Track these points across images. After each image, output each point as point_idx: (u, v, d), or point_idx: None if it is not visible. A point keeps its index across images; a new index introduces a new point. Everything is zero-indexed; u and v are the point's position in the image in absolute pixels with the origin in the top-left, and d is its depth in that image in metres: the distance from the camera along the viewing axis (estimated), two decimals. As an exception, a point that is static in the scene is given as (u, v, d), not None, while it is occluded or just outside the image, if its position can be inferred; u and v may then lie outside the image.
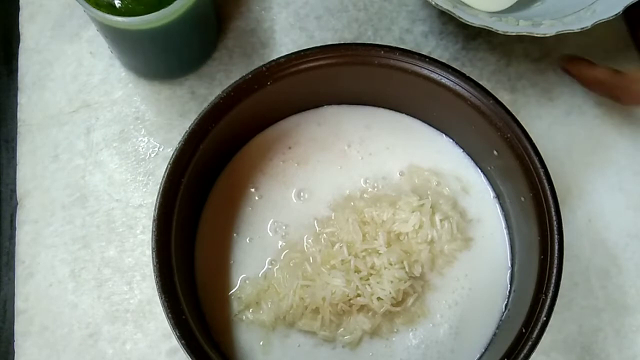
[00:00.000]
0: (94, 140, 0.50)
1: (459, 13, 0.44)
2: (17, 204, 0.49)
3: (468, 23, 0.44)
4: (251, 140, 0.46)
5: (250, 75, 0.41)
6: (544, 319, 0.37)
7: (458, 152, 0.46)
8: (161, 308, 0.37)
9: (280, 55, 0.41)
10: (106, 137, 0.50)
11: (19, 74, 0.52)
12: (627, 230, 0.48)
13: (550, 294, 0.37)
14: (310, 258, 0.43)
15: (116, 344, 0.46)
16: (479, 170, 0.45)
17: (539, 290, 0.37)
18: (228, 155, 0.46)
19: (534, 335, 0.37)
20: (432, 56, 0.41)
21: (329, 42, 0.42)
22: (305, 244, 0.44)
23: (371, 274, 0.41)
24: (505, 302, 0.42)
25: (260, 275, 0.43)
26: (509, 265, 0.43)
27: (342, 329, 0.42)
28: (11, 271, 0.48)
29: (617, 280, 0.47)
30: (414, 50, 0.41)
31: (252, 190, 0.45)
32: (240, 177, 0.45)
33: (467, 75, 0.40)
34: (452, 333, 0.42)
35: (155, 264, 0.38)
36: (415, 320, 0.42)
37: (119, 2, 0.41)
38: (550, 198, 0.38)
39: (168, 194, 0.39)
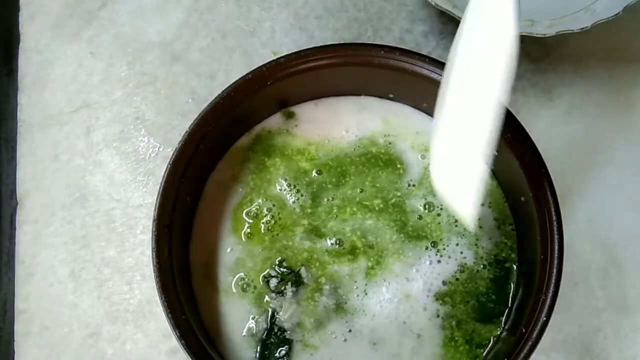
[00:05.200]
0: (94, 140, 0.50)
1: (459, 13, 0.44)
2: (17, 204, 0.49)
3: (468, 23, 0.44)
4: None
5: (250, 75, 0.41)
6: (544, 319, 0.37)
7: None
8: (161, 308, 0.37)
9: (280, 55, 0.41)
10: (106, 137, 0.50)
11: (19, 74, 0.52)
12: (627, 230, 0.48)
13: (550, 294, 0.37)
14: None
15: (116, 344, 0.46)
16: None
17: (539, 290, 0.37)
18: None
19: (534, 335, 0.37)
20: (432, 56, 0.41)
21: (329, 42, 0.42)
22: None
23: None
24: (510, 298, 0.42)
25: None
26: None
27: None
28: (11, 271, 0.48)
29: (617, 280, 0.47)
30: (414, 50, 0.41)
31: (241, 189, 0.44)
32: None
33: (467, 75, 0.40)
34: (425, 290, 0.42)
35: (155, 264, 0.38)
36: (390, 273, 0.42)
37: None
38: (550, 198, 0.38)
39: (168, 194, 0.39)
